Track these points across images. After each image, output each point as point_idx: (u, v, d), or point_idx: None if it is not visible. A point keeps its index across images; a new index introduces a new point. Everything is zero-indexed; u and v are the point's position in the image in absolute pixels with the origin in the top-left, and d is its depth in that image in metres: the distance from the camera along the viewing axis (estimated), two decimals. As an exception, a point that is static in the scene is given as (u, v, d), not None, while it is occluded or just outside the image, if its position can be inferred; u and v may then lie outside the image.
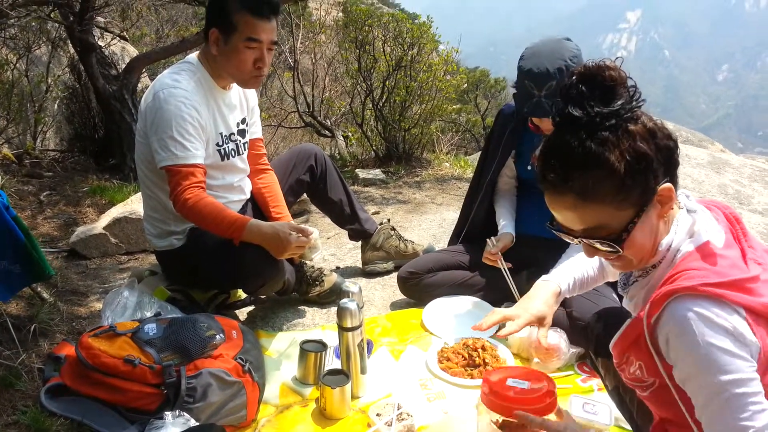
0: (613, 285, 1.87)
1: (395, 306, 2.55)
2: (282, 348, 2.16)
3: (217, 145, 2.18)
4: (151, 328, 1.74)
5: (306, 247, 2.10)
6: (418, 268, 2.45)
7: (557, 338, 1.98)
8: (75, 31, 4.32)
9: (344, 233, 2.88)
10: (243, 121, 2.31)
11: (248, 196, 2.42)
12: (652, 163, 1.11)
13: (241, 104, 2.31)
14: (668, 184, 1.13)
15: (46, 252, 2.75)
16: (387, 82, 5.36)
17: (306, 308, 2.51)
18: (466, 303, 2.40)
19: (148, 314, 1.97)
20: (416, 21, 5.51)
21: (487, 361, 1.99)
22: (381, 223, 2.81)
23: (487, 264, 2.36)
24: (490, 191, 2.49)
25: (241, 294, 2.47)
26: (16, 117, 4.91)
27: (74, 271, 2.93)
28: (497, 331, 2.03)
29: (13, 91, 4.87)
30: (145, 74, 5.53)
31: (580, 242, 1.20)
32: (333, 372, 1.82)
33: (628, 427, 1.68)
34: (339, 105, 7.22)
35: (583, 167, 1.10)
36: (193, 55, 2.18)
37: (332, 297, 2.50)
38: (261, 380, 1.84)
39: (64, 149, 5.25)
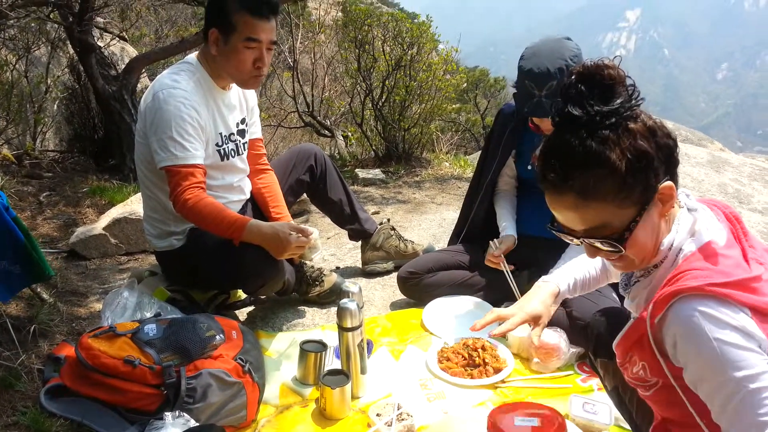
0: (614, 285, 1.87)
1: (395, 306, 2.55)
2: (282, 348, 2.16)
3: (217, 145, 2.18)
4: (150, 329, 1.74)
5: (306, 247, 2.10)
6: (418, 268, 2.44)
7: (557, 338, 1.98)
8: (74, 31, 4.32)
9: (344, 233, 2.88)
10: (242, 121, 2.31)
11: (248, 196, 2.41)
12: (653, 161, 1.10)
13: (241, 104, 2.31)
14: (669, 183, 1.13)
15: (45, 253, 2.74)
16: (386, 82, 5.36)
17: (306, 308, 2.51)
18: (466, 303, 2.40)
19: (148, 315, 1.97)
20: (416, 20, 5.50)
21: (487, 361, 1.99)
22: (381, 223, 2.81)
23: (489, 266, 2.35)
24: (490, 191, 2.49)
25: (241, 294, 2.47)
26: (16, 118, 4.91)
27: (74, 272, 2.93)
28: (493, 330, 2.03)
29: (13, 91, 4.87)
30: (145, 74, 5.53)
31: (581, 243, 1.19)
32: (333, 372, 1.82)
33: (628, 427, 1.68)
34: (338, 105, 7.21)
35: (583, 166, 1.10)
36: (193, 56, 2.17)
37: (332, 297, 2.50)
38: (261, 380, 1.84)
39: (63, 150, 5.25)
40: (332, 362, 2.00)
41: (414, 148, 5.50)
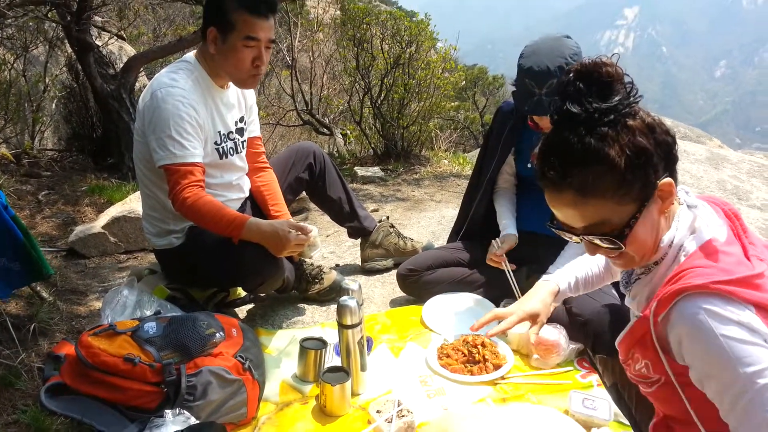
0: (614, 282, 1.87)
1: (395, 303, 2.55)
2: (282, 346, 2.17)
3: (216, 143, 2.18)
4: (150, 327, 1.74)
5: (305, 245, 2.10)
6: (417, 266, 2.45)
7: (557, 334, 1.99)
8: (72, 30, 4.31)
9: (343, 231, 2.88)
10: (241, 119, 2.31)
11: (247, 194, 2.41)
12: (652, 158, 1.10)
13: (239, 103, 2.31)
14: (669, 179, 1.13)
15: (45, 251, 2.75)
16: (385, 80, 5.36)
17: (305, 306, 2.51)
18: (465, 300, 2.41)
19: (148, 313, 1.97)
20: (414, 19, 5.49)
21: (486, 357, 1.99)
22: (380, 221, 2.82)
23: (491, 265, 2.35)
24: (489, 189, 2.49)
25: (241, 292, 2.47)
26: (14, 117, 4.90)
27: (73, 270, 2.93)
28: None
29: (11, 90, 4.86)
30: (143, 73, 5.53)
31: (581, 240, 1.19)
32: (333, 369, 1.82)
33: (627, 423, 1.68)
34: (337, 103, 7.22)
35: (582, 163, 1.10)
36: (191, 54, 2.17)
37: (332, 294, 2.50)
38: (261, 378, 1.84)
39: (62, 149, 5.25)
40: (332, 359, 2.00)
41: (413, 145, 5.50)
